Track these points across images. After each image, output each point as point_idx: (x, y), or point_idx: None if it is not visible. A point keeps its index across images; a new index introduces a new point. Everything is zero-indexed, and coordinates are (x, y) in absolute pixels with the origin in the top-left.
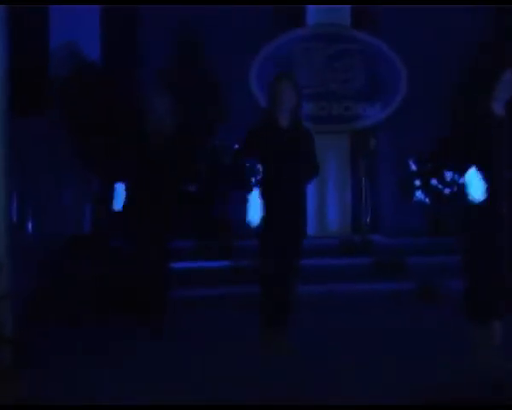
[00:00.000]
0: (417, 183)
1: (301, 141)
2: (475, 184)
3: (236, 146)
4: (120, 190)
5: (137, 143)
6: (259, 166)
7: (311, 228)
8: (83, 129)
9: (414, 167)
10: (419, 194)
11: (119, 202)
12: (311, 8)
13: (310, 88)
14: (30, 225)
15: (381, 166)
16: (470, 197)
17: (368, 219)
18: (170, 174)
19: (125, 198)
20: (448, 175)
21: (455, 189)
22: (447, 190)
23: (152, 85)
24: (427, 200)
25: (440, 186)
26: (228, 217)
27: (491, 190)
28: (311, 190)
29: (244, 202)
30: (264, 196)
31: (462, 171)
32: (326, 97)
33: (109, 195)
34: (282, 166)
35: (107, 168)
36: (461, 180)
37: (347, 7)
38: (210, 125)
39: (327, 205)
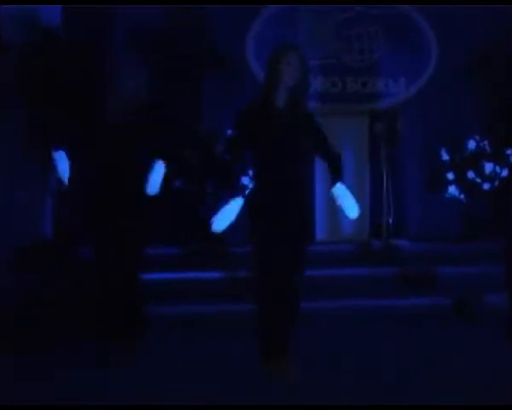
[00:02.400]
0: (451, 176)
1: (305, 126)
2: None
3: (229, 132)
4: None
5: (104, 125)
6: (257, 157)
7: (321, 231)
8: (38, 106)
9: (446, 157)
10: (453, 189)
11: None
12: None
13: (319, 60)
14: None
15: (407, 156)
16: None
17: (391, 221)
18: (147, 165)
19: (91, 194)
20: (489, 167)
21: (497, 183)
22: (487, 186)
23: (121, 55)
24: (462, 197)
25: (479, 180)
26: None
27: None
28: (319, 184)
29: (240, 200)
30: (259, 191)
31: (505, 161)
32: (338, 71)
33: (71, 190)
34: (279, 155)
35: (67, 155)
36: (504, 173)
37: None
38: (196, 105)
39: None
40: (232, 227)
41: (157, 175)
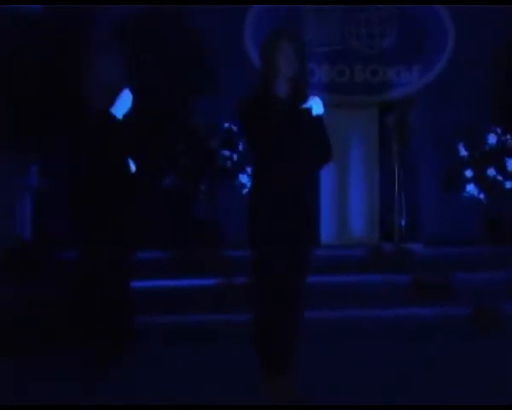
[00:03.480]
0: (469, 173)
1: (306, 117)
2: None
3: (227, 125)
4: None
5: (87, 117)
6: (255, 152)
7: (328, 234)
8: (17, 98)
9: (464, 152)
10: (472, 188)
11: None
12: None
13: (323, 46)
14: None
15: (421, 152)
16: None
17: (403, 222)
18: (135, 162)
19: (74, 194)
20: (510, 163)
21: None
22: (510, 184)
23: (106, 42)
24: (482, 196)
25: (500, 178)
26: (215, 219)
27: None
28: (327, 183)
29: (237, 200)
30: (259, 188)
31: None
32: (346, 59)
33: (52, 189)
34: (281, 148)
35: (48, 150)
36: None
37: None
38: (190, 96)
39: (349, 203)
40: (228, 228)
41: (125, 100)
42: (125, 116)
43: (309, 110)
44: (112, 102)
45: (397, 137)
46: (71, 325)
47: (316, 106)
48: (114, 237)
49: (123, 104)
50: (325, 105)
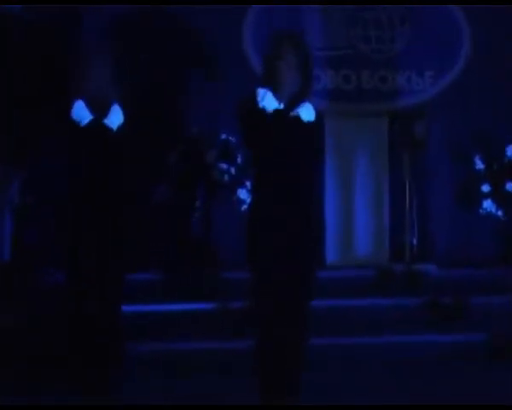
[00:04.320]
0: (486, 188)
1: (296, 125)
2: None
3: (224, 136)
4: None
5: (72, 125)
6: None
7: (331, 253)
8: None
9: (481, 165)
10: (489, 204)
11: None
12: None
13: (328, 50)
14: None
15: (434, 164)
16: None
17: (415, 241)
18: (123, 174)
19: (57, 208)
20: None
21: None
22: None
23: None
24: (500, 213)
25: None
26: (211, 237)
27: None
28: (332, 198)
29: (235, 217)
30: (258, 204)
31: None
32: (352, 64)
33: (34, 202)
34: (282, 161)
35: (28, 159)
36: None
37: None
38: (183, 103)
39: (355, 220)
40: (225, 247)
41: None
42: (119, 128)
43: (298, 117)
44: (105, 113)
45: (408, 149)
46: (56, 351)
47: (306, 112)
48: (104, 256)
49: (116, 116)
50: (330, 114)
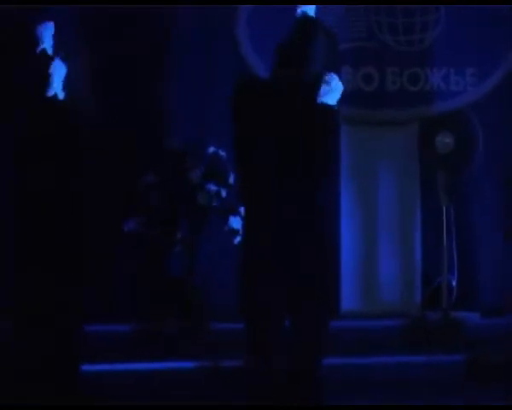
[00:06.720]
0: None
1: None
2: None
3: (212, 149)
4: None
5: (37, 137)
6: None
7: (349, 299)
8: None
9: None
10: None
11: None
12: None
13: (345, 42)
14: None
15: (478, 186)
16: None
17: (454, 284)
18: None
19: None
20: None
21: None
22: None
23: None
24: None
25: None
26: (196, 279)
27: None
28: (349, 229)
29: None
30: (251, 237)
31: None
32: (375, 59)
33: None
34: (280, 181)
35: None
36: None
37: None
38: (161, 107)
39: (378, 257)
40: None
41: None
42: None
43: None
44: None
45: (444, 166)
46: None
47: None
48: (59, 302)
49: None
50: (346, 121)
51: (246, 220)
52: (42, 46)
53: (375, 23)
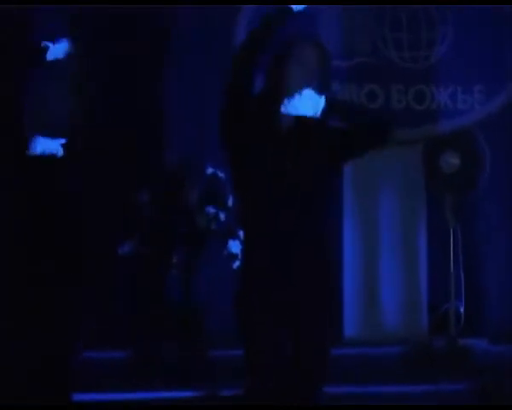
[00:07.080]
0: None
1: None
2: None
3: (210, 170)
4: None
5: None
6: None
7: (351, 325)
8: None
9: None
10: None
11: None
12: None
13: (348, 59)
14: None
15: (486, 208)
16: None
17: (462, 309)
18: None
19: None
20: None
21: None
22: None
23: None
24: None
25: None
26: (194, 304)
27: None
28: (351, 252)
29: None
30: (250, 261)
31: None
32: (378, 75)
33: None
34: (283, 199)
35: None
36: None
37: None
38: (156, 124)
39: (382, 281)
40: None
41: None
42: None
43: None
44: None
45: (451, 187)
46: None
47: None
48: (52, 327)
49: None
50: None
51: (245, 245)
52: (42, 46)
53: (378, 37)
